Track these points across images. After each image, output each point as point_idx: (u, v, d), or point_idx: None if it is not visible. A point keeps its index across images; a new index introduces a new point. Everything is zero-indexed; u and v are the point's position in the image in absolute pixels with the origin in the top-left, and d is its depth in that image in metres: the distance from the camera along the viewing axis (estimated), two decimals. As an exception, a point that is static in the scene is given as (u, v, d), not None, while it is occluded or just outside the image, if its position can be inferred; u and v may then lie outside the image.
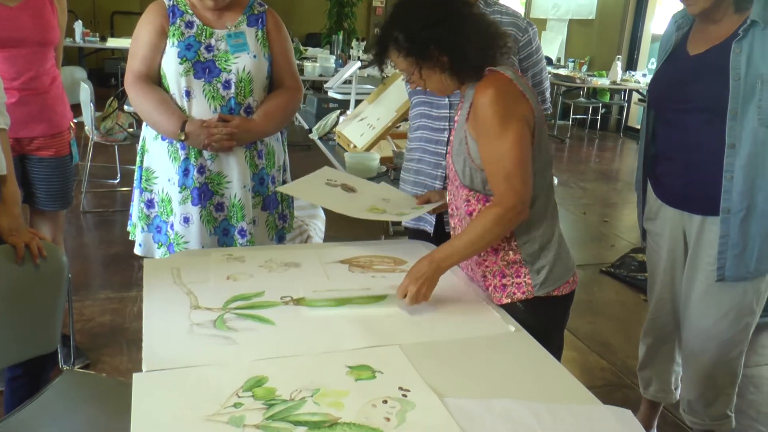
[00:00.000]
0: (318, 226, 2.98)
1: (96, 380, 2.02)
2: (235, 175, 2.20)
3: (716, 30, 1.97)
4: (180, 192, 2.18)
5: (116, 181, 5.38)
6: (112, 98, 4.89)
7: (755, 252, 2.02)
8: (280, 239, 2.44)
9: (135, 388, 1.31)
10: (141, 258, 1.99)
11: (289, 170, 2.48)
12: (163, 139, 2.20)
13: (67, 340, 1.96)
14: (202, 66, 2.13)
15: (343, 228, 3.30)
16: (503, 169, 1.62)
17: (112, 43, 8.49)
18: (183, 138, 2.12)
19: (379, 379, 1.39)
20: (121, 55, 9.25)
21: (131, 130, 4.87)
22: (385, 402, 1.31)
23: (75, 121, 2.82)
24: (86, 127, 4.78)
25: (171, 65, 2.13)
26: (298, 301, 1.69)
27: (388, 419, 1.26)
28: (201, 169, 2.18)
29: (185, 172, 2.18)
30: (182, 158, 2.17)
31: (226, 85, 2.14)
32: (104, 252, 4.19)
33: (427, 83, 1.74)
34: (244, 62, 2.15)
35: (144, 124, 2.27)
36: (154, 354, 1.44)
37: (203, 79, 2.13)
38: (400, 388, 1.36)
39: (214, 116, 2.14)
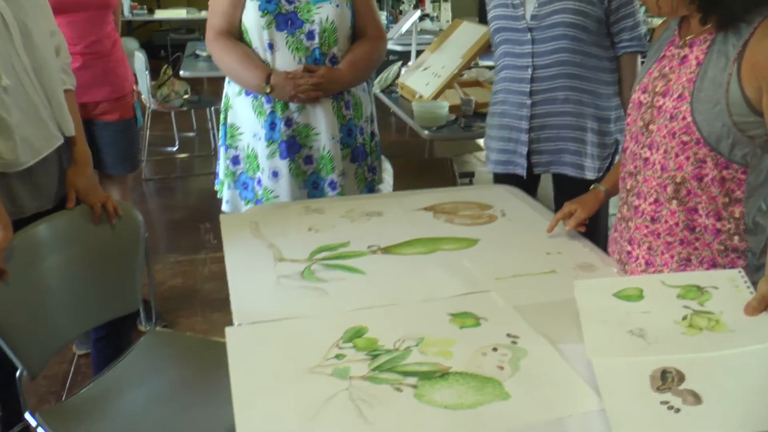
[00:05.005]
0: (386, 180, 2.89)
1: (180, 339, 1.98)
2: (323, 127, 2.14)
3: None
4: (267, 146, 2.13)
5: (174, 149, 5.38)
6: (166, 66, 4.85)
7: None
8: (370, 192, 2.37)
9: (229, 343, 1.25)
10: (206, 221, 1.92)
11: (377, 121, 2.40)
12: (247, 94, 2.15)
13: (145, 302, 1.91)
14: (284, 18, 2.06)
15: (411, 179, 3.22)
16: None
17: (160, 14, 8.45)
18: (268, 91, 2.06)
19: (484, 326, 1.30)
20: (170, 26, 9.20)
21: (187, 96, 4.83)
22: (495, 350, 1.22)
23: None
24: (143, 96, 4.75)
25: (252, 19, 2.07)
26: (386, 250, 1.61)
27: (501, 368, 1.16)
28: (288, 122, 2.12)
29: (272, 126, 2.12)
30: (268, 112, 2.11)
31: (310, 35, 2.07)
32: (168, 217, 4.19)
33: None
34: (326, 12, 2.07)
35: (227, 80, 2.22)
36: (244, 307, 1.37)
37: (286, 31, 2.06)
38: (508, 335, 1.26)
39: (299, 67, 2.07)
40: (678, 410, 1.00)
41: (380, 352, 1.21)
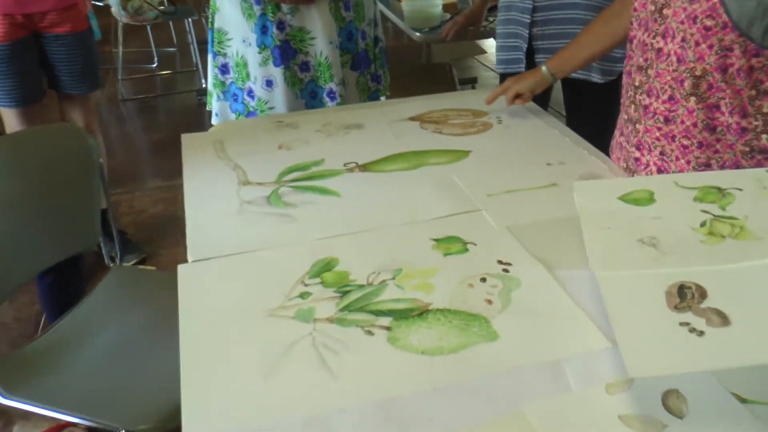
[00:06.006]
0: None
1: (148, 276, 1.87)
2: (319, 30, 2.01)
3: None
4: (259, 52, 2.00)
5: (154, 66, 5.18)
6: (136, -26, 4.59)
7: None
8: None
9: (181, 282, 1.13)
10: None
11: (381, 25, 2.25)
12: None
13: (118, 235, 1.79)
14: None
15: (407, 88, 3.05)
16: None
17: None
18: None
19: (472, 252, 1.17)
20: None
21: (162, 7, 4.58)
22: (484, 280, 1.09)
23: (100, 3, 2.57)
24: (112, 9, 4.51)
25: None
26: (364, 167, 1.48)
27: (489, 301, 1.04)
28: (280, 25, 1.98)
29: (263, 30, 1.98)
30: (258, 14, 1.97)
31: None
32: (149, 140, 4.05)
33: None
34: None
35: None
36: (201, 240, 1.24)
37: None
38: (500, 262, 1.14)
39: None
40: (701, 333, 0.87)
41: (351, 288, 1.08)
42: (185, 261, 1.19)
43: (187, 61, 5.14)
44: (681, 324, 0.89)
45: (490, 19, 2.81)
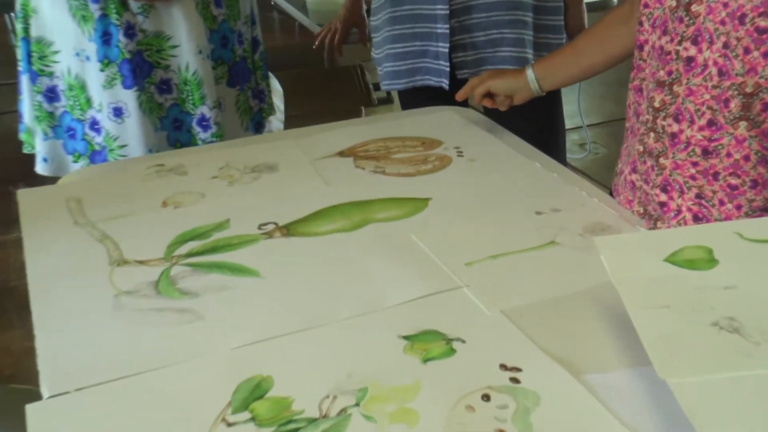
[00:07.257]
0: (276, 106, 2.62)
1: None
2: (183, 35, 1.92)
3: None
4: (102, 69, 1.89)
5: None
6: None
7: None
8: (258, 128, 2.22)
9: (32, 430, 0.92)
10: (19, 181, 1.69)
11: (259, 24, 2.20)
12: None
13: None
14: None
15: (308, 100, 3.00)
16: None
17: None
18: None
19: (461, 353, 1.03)
20: None
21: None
22: (487, 398, 0.95)
23: None
24: None
25: None
26: (288, 229, 1.34)
27: (503, 432, 0.88)
28: (129, 31, 1.88)
29: (105, 38, 1.87)
30: (97, 16, 1.86)
31: None
32: (-41, 179, 3.81)
33: None
34: None
35: None
36: (59, 363, 1.04)
37: None
38: (504, 367, 0.99)
39: None
40: None
41: (299, 424, 0.91)
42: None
43: (8, 69, 4.88)
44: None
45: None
